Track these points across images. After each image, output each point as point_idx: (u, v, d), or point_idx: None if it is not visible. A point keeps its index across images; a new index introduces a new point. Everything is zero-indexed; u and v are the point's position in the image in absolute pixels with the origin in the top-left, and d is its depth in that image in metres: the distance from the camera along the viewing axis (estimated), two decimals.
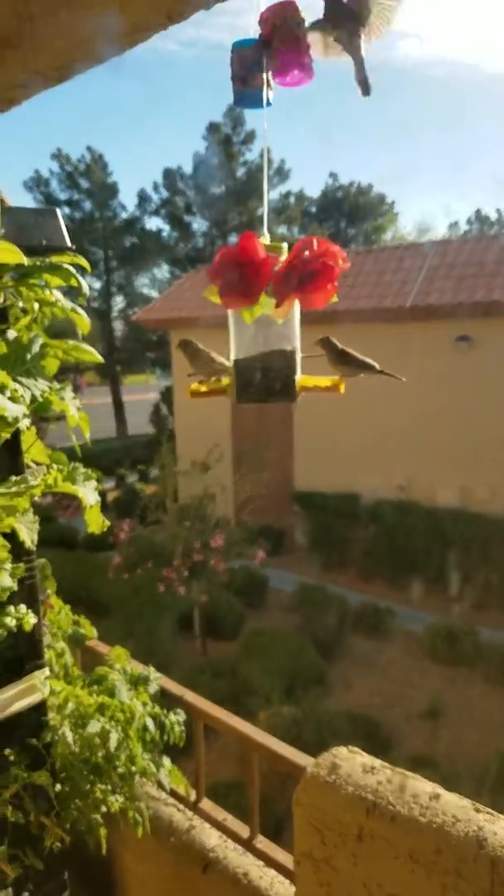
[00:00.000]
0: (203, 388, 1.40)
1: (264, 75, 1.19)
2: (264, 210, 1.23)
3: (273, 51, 1.13)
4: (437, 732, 6.45)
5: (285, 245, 1.18)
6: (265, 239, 1.17)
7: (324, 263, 1.08)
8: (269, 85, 1.20)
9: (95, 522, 1.63)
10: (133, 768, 1.66)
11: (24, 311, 1.46)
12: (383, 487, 10.35)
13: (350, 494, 10.74)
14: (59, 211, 1.49)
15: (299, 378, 1.27)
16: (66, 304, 1.41)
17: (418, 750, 6.14)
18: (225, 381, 1.36)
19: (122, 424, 25.16)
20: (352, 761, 1.43)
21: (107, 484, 16.41)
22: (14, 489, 1.27)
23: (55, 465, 1.59)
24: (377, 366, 1.47)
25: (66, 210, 24.58)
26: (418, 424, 10.10)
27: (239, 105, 1.29)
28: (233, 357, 1.28)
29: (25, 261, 1.26)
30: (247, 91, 1.22)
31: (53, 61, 1.68)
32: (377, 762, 1.43)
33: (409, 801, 1.29)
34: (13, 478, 1.32)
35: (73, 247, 1.46)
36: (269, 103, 1.26)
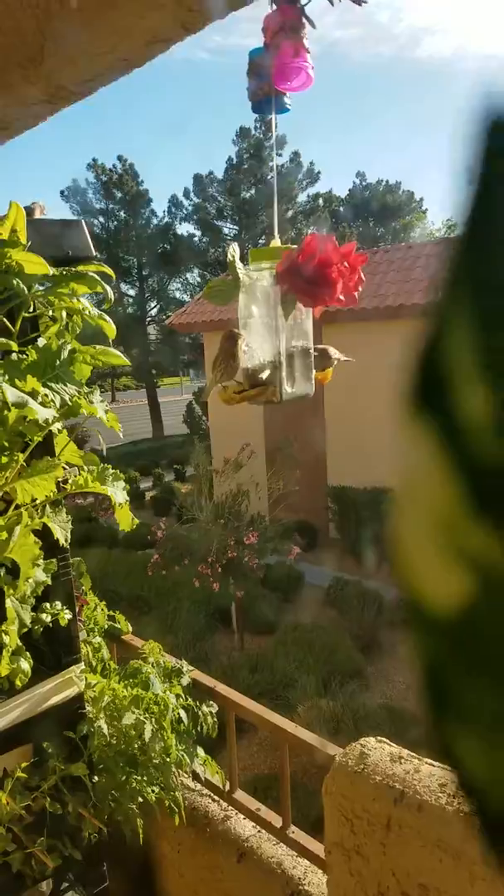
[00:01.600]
0: (238, 394, 1.32)
1: (270, 80, 1.22)
2: (273, 214, 1.26)
3: (272, 57, 1.16)
4: None
5: (295, 248, 1.21)
6: (276, 242, 1.20)
7: (321, 271, 1.11)
8: (277, 90, 1.22)
9: (125, 520, 1.68)
10: (168, 759, 1.70)
11: (53, 320, 1.51)
12: None
13: (383, 489, 10.69)
14: (83, 221, 1.54)
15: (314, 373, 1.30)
16: (94, 311, 1.46)
17: None
18: (263, 381, 1.31)
19: (157, 425, 25.46)
20: (380, 751, 1.46)
21: (144, 483, 16.59)
22: (39, 475, 1.32)
23: (87, 467, 1.64)
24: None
25: (102, 219, 25.02)
26: None
27: (257, 111, 1.32)
28: (267, 358, 1.28)
29: (51, 271, 1.31)
30: (260, 98, 1.25)
31: (77, 76, 1.73)
32: (405, 752, 1.45)
33: (436, 790, 1.31)
34: (38, 462, 1.37)
35: (98, 256, 1.51)
36: (285, 109, 1.29)
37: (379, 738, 1.52)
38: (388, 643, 8.09)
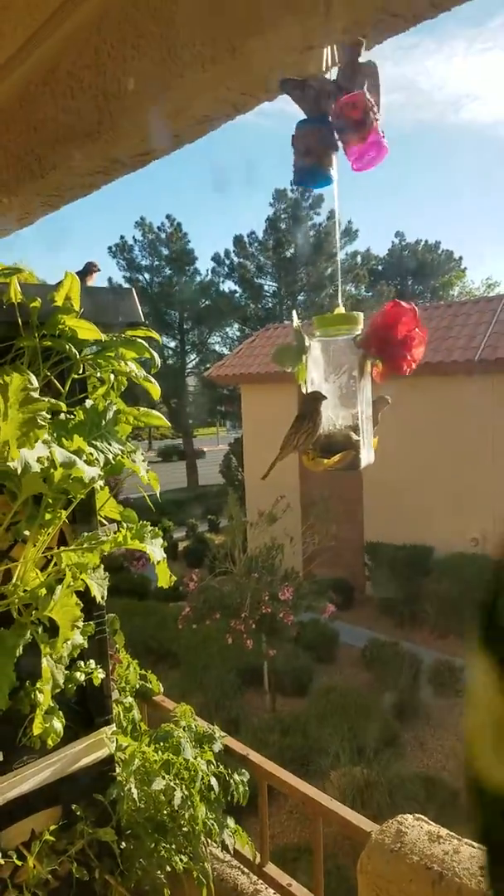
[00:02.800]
0: (329, 461, 1.29)
1: (333, 154, 1.25)
2: (339, 284, 1.29)
3: (359, 136, 1.19)
4: None
5: (361, 315, 1.23)
6: (340, 309, 1.23)
7: (406, 335, 1.14)
8: (332, 164, 1.26)
9: (164, 577, 1.68)
10: (197, 827, 1.66)
11: (101, 381, 1.56)
12: (456, 541, 10.09)
13: (422, 547, 10.52)
14: (133, 290, 1.59)
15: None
16: (139, 373, 1.50)
17: None
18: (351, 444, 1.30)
19: (193, 475, 25.64)
20: (417, 829, 1.41)
21: (178, 533, 16.62)
22: (86, 545, 1.34)
23: (125, 524, 1.66)
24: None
25: (146, 276, 25.93)
26: (492, 477, 9.87)
27: (299, 184, 1.35)
28: (345, 423, 1.29)
29: (103, 337, 1.36)
30: (311, 168, 1.28)
31: (131, 150, 1.82)
32: (444, 831, 1.40)
33: (476, 873, 1.26)
34: (85, 534, 1.39)
35: (147, 322, 1.56)
36: (329, 181, 1.32)
37: (417, 815, 1.46)
38: (426, 709, 7.84)
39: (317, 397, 1.26)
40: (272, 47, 1.22)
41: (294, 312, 1.33)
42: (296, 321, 1.30)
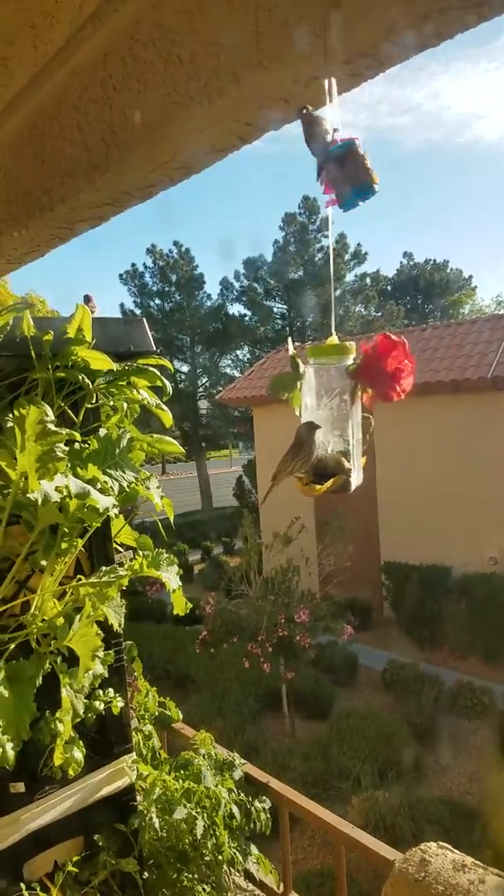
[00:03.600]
0: (323, 486, 1.32)
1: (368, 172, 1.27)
2: (332, 315, 1.30)
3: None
4: None
5: (354, 345, 1.25)
6: (334, 339, 1.24)
7: (395, 367, 1.17)
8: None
9: (180, 605, 1.69)
10: (220, 857, 1.65)
11: (114, 409, 1.58)
12: (474, 560, 10.00)
13: (440, 567, 10.43)
14: (144, 320, 1.62)
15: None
16: (152, 401, 1.52)
17: None
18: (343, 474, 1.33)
19: (206, 497, 25.67)
20: (442, 858, 1.39)
21: (192, 556, 16.58)
22: (105, 579, 1.35)
23: (141, 552, 1.67)
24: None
25: (157, 301, 26.27)
26: None
27: (347, 209, 1.34)
28: (337, 448, 1.32)
29: (115, 367, 1.38)
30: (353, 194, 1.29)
31: (138, 182, 1.85)
32: (468, 859, 1.37)
33: None
34: (104, 568, 1.40)
35: (158, 350, 1.58)
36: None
37: (441, 843, 1.44)
38: (448, 732, 7.72)
39: (312, 427, 1.30)
40: (276, 80, 1.25)
41: (290, 340, 1.36)
42: (291, 349, 1.33)
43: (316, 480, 1.35)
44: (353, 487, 1.33)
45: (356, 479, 1.34)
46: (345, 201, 1.28)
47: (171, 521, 1.75)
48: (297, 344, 1.36)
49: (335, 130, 1.29)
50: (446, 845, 1.42)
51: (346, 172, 1.27)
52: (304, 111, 1.29)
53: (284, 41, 1.16)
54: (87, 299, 1.59)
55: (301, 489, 1.38)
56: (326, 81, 1.25)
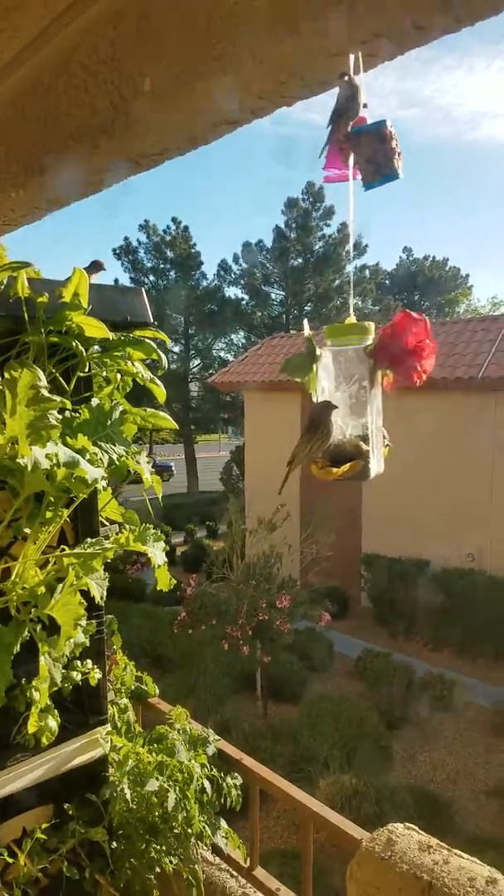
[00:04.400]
0: (339, 471, 1.28)
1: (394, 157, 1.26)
2: (350, 295, 1.29)
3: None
4: (503, 812, 6.11)
5: (373, 325, 1.24)
6: (352, 319, 1.23)
7: (416, 346, 1.15)
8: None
9: (164, 581, 1.68)
10: (189, 830, 1.66)
11: (107, 380, 1.56)
12: (453, 556, 10.09)
13: (418, 560, 10.52)
14: (143, 289, 1.60)
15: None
16: (146, 374, 1.51)
17: (483, 830, 5.82)
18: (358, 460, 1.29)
19: (193, 481, 25.64)
20: (408, 838, 1.40)
21: (175, 538, 16.60)
22: (90, 551, 1.34)
23: (127, 525, 1.66)
24: None
25: (152, 278, 25.97)
26: (489, 494, 9.88)
27: (371, 187, 1.32)
28: (356, 432, 1.29)
29: (110, 335, 1.36)
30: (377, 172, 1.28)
31: (144, 150, 1.82)
32: (434, 841, 1.39)
33: (465, 883, 1.25)
34: (89, 539, 1.39)
35: (156, 323, 1.56)
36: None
37: (407, 824, 1.46)
38: (416, 721, 7.82)
39: (328, 406, 1.26)
40: (292, 55, 1.23)
41: (305, 321, 1.33)
42: (307, 329, 1.30)
43: (332, 465, 1.31)
44: (372, 474, 1.29)
45: (376, 467, 1.30)
46: (370, 181, 1.27)
47: (160, 498, 1.74)
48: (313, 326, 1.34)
49: (365, 106, 1.27)
50: (413, 826, 1.44)
51: (375, 152, 1.26)
52: (346, 77, 1.26)
53: (305, 14, 1.15)
54: (98, 266, 1.56)
55: (316, 473, 1.34)
56: (352, 57, 1.23)
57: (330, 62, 1.25)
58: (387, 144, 1.22)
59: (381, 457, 1.31)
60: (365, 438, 1.27)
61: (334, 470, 1.27)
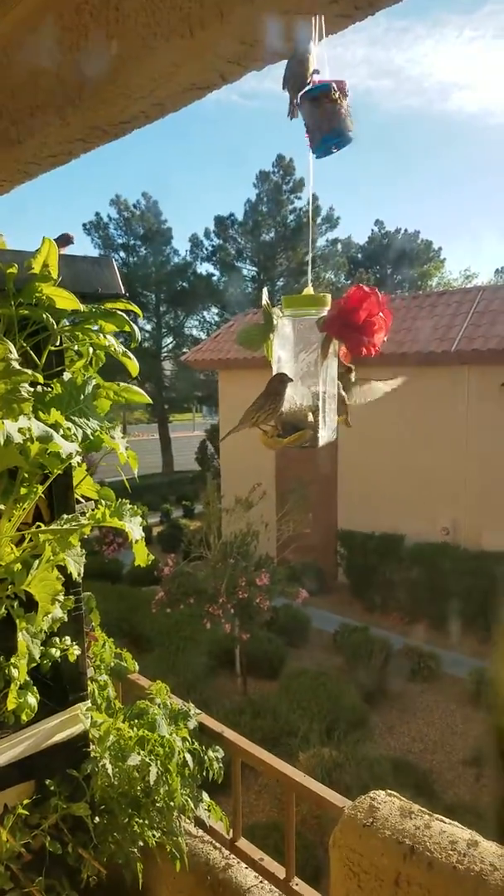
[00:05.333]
0: (287, 440, 1.32)
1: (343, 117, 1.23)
2: (309, 263, 1.28)
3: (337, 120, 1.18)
4: (480, 780, 6.25)
5: (329, 296, 1.23)
6: (309, 290, 1.22)
7: (366, 319, 1.14)
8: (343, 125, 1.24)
9: (141, 556, 1.67)
10: (171, 803, 1.67)
11: (79, 354, 1.53)
12: (428, 530, 10.22)
13: (394, 536, 10.63)
14: (114, 260, 1.57)
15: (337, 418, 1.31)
16: (118, 348, 1.48)
17: (461, 798, 5.96)
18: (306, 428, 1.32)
19: (168, 460, 25.55)
20: (390, 805, 1.42)
21: (152, 519, 16.57)
22: (66, 527, 1.32)
23: (103, 501, 1.64)
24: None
25: (122, 254, 25.61)
26: (464, 468, 9.99)
27: (321, 154, 1.30)
28: (304, 403, 1.30)
29: (81, 307, 1.33)
30: (324, 141, 1.25)
31: (112, 118, 1.78)
32: (415, 807, 1.41)
33: (446, 847, 1.28)
34: (65, 516, 1.37)
35: (127, 294, 1.54)
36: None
37: (389, 791, 1.48)
38: (394, 693, 7.96)
39: (283, 379, 1.28)
40: (261, 14, 1.20)
41: (265, 290, 1.31)
42: (265, 299, 1.29)
43: (282, 435, 1.33)
44: (321, 443, 1.31)
45: (326, 436, 1.31)
46: (316, 146, 1.25)
47: (136, 474, 1.72)
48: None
49: (315, 72, 1.25)
50: (394, 793, 1.46)
51: (321, 115, 1.24)
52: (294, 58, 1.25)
53: None
54: (67, 239, 1.52)
55: (264, 442, 1.36)
56: (314, 19, 1.21)
57: (300, 23, 1.23)
58: (333, 106, 1.20)
59: (333, 425, 1.32)
60: (315, 409, 1.28)
61: (282, 439, 1.29)
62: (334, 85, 1.22)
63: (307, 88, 1.23)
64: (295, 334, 1.29)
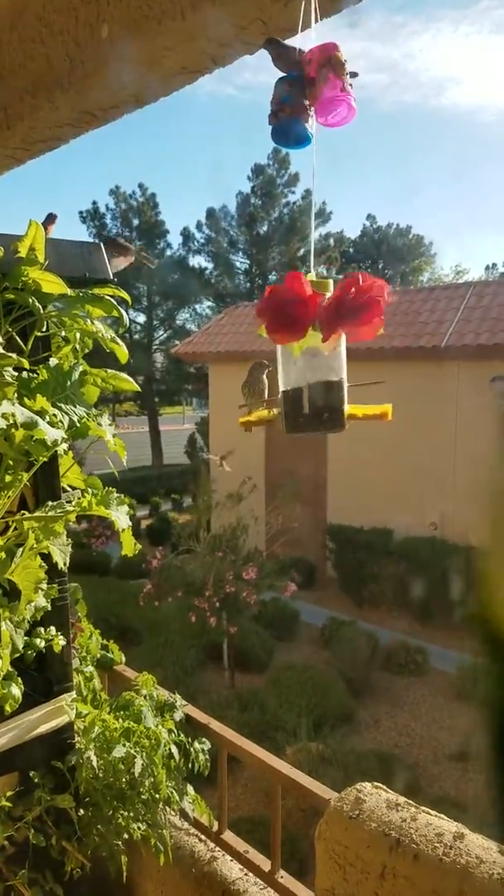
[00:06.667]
0: (252, 418, 1.40)
1: (309, 111, 1.21)
2: (311, 248, 1.27)
3: (317, 90, 1.16)
4: (466, 775, 6.28)
5: (331, 282, 1.21)
6: (311, 276, 1.20)
7: (370, 297, 1.12)
8: (307, 120, 1.22)
9: (129, 546, 1.66)
10: (157, 795, 1.66)
11: (66, 340, 1.51)
12: (416, 525, 10.24)
13: (382, 530, 10.65)
14: (102, 245, 1.54)
15: (347, 407, 1.29)
16: (107, 334, 1.46)
17: (447, 792, 5.99)
18: (275, 412, 1.35)
19: (157, 453, 25.48)
20: (376, 797, 1.42)
21: (141, 512, 16.52)
22: (51, 514, 1.30)
23: (90, 490, 1.62)
24: None
25: None
26: (452, 463, 10.02)
27: (277, 139, 1.29)
28: (281, 388, 1.30)
29: (69, 291, 1.31)
30: (282, 123, 1.23)
31: (102, 102, 1.75)
32: (401, 799, 1.41)
33: (433, 839, 1.27)
34: (50, 503, 1.35)
35: (115, 279, 1.51)
36: (307, 139, 1.27)
37: (375, 783, 1.47)
38: (381, 688, 7.98)
39: (259, 365, 1.41)
40: None
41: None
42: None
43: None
44: (285, 430, 1.31)
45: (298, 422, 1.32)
46: (278, 130, 1.22)
47: (125, 463, 1.70)
48: None
49: (354, 74, 1.22)
50: (381, 785, 1.46)
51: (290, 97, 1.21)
52: (271, 39, 1.22)
53: None
54: (52, 218, 1.50)
55: (240, 421, 1.43)
56: (304, 1, 1.19)
57: (293, 5, 1.21)
58: (299, 92, 1.18)
59: (326, 414, 1.34)
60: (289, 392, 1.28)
61: (251, 418, 1.39)
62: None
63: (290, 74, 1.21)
64: None
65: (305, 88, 1.18)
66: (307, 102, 1.19)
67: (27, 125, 1.78)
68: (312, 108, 1.19)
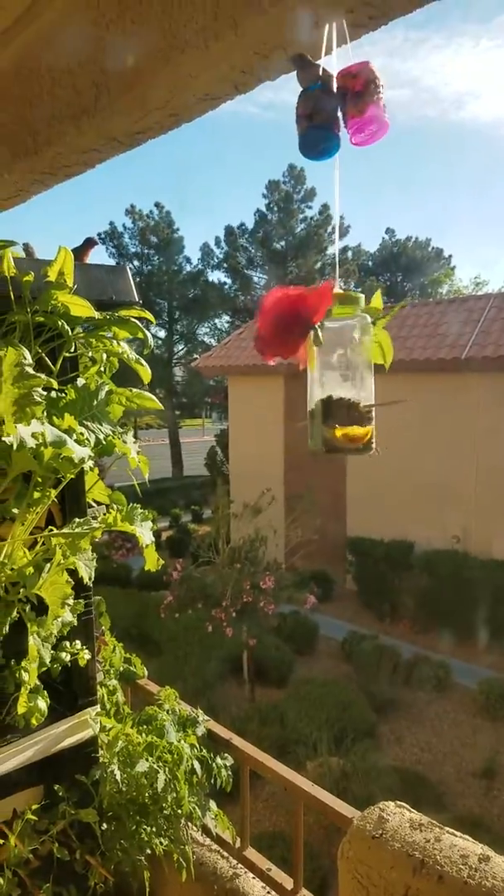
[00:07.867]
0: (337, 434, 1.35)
1: (340, 123, 1.24)
2: (335, 262, 1.29)
3: (363, 105, 1.18)
4: (490, 793, 6.19)
5: (362, 296, 1.24)
6: (337, 289, 1.23)
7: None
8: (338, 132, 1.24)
9: (152, 560, 1.68)
10: (179, 811, 1.66)
11: (93, 361, 1.54)
12: (438, 537, 10.17)
13: (403, 543, 10.58)
14: (128, 268, 1.58)
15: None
16: (131, 354, 1.49)
17: (470, 810, 5.91)
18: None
19: (177, 465, 25.62)
20: (399, 816, 1.41)
21: (161, 523, 16.58)
22: (78, 530, 1.33)
23: (115, 505, 1.65)
24: None
25: (136, 263, 25.86)
26: (474, 474, 9.95)
27: (305, 149, 1.30)
28: (310, 407, 1.31)
29: (96, 314, 1.34)
30: (312, 134, 1.25)
31: (128, 128, 1.79)
32: (425, 819, 1.40)
33: (457, 861, 1.27)
34: (77, 520, 1.38)
35: (140, 301, 1.54)
36: (336, 149, 1.29)
37: (398, 802, 1.47)
38: (403, 703, 7.90)
39: None
40: (275, 25, 1.21)
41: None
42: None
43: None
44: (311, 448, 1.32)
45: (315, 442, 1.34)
46: (303, 134, 1.24)
47: (146, 478, 1.72)
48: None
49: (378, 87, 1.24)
50: (404, 804, 1.45)
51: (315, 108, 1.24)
52: (299, 56, 1.25)
53: None
54: (91, 242, 1.54)
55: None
56: (326, 28, 1.21)
57: (314, 33, 1.23)
58: (327, 100, 1.20)
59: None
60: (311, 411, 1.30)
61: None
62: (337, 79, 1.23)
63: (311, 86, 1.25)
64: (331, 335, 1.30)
65: (345, 101, 1.21)
66: (341, 114, 1.21)
67: (54, 150, 1.82)
68: (345, 122, 1.22)
